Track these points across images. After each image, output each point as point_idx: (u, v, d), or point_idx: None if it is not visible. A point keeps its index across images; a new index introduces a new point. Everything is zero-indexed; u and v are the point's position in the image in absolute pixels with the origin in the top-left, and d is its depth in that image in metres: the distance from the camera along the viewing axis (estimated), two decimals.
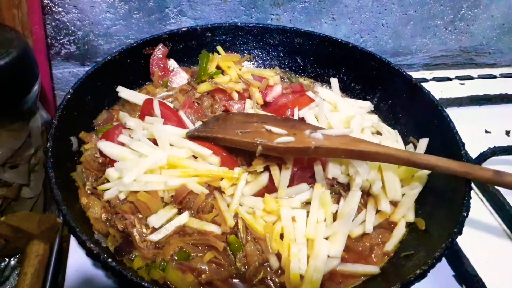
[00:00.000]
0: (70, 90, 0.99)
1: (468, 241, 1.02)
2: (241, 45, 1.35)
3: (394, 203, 1.01)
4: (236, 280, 0.86)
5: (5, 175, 1.14)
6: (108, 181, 0.96)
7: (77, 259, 0.94)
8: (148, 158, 0.94)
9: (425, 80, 1.66)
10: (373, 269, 0.90)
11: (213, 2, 1.44)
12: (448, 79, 1.69)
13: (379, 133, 1.18)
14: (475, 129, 1.45)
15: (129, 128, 1.02)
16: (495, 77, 1.74)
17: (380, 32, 1.66)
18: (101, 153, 1.00)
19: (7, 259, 1.20)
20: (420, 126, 1.16)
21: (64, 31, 1.39)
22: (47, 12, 1.33)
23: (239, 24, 1.31)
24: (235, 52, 1.34)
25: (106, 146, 0.98)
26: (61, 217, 0.79)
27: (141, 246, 0.86)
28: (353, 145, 0.92)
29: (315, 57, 1.34)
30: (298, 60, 1.37)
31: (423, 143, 1.11)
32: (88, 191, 0.95)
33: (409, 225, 0.99)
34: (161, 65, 1.23)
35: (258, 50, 1.36)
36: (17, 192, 1.17)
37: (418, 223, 0.98)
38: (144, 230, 0.89)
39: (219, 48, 1.30)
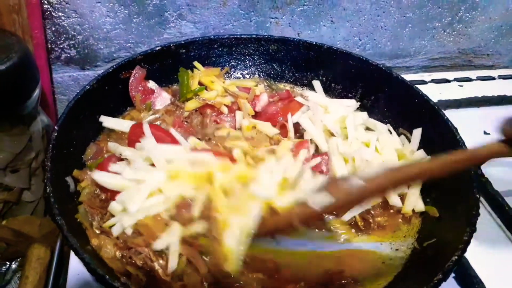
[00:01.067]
0: (56, 127, 0.95)
1: None
2: (216, 58, 1.33)
3: (401, 197, 1.03)
4: None
5: (6, 179, 1.14)
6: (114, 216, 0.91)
7: (78, 263, 0.93)
8: (146, 181, 0.90)
9: (424, 82, 1.66)
10: None
11: (212, 6, 1.45)
12: (447, 81, 1.70)
13: (368, 129, 1.19)
14: (474, 131, 1.45)
15: (124, 158, 0.97)
16: (493, 78, 1.74)
17: (379, 34, 1.67)
18: (101, 188, 0.95)
19: (8, 263, 1.21)
20: (408, 117, 1.18)
21: (64, 35, 1.39)
22: (47, 16, 1.33)
23: (212, 37, 1.29)
24: (212, 65, 1.32)
25: (102, 177, 0.93)
26: (84, 266, 0.76)
27: (167, 280, 0.81)
28: (398, 173, 0.81)
29: (292, 62, 1.34)
30: (275, 66, 1.36)
31: (417, 133, 1.13)
32: (97, 231, 0.89)
33: (420, 215, 1.01)
34: (141, 88, 1.19)
35: (234, 61, 1.35)
36: (18, 196, 1.17)
37: (430, 211, 1.00)
38: (161, 261, 0.84)
39: (196, 64, 1.27)
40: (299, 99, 1.20)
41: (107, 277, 0.73)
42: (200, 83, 1.24)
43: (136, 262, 0.83)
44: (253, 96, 1.22)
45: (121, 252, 0.85)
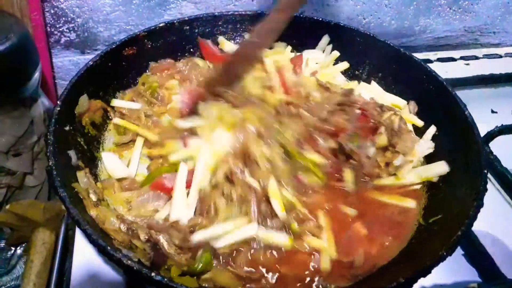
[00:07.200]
0: (58, 102, 0.94)
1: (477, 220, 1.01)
2: (221, 35, 1.30)
3: None
4: None
5: (8, 163, 1.13)
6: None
7: (83, 247, 0.93)
8: None
9: (430, 61, 1.63)
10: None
11: None
12: (453, 59, 1.67)
13: None
14: (481, 109, 1.43)
15: None
16: (500, 56, 1.71)
17: (383, 13, 1.64)
18: None
19: (13, 248, 1.20)
20: (415, 93, 1.17)
21: (63, 18, 1.37)
22: None
23: (216, 14, 1.27)
24: (216, 43, 1.29)
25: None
26: (86, 238, 0.75)
27: (172, 253, 0.81)
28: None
29: (298, 39, 1.31)
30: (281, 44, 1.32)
31: (432, 130, 1.11)
32: (94, 198, 0.90)
33: (427, 190, 1.01)
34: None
35: (239, 38, 1.32)
36: (21, 180, 1.16)
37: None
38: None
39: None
40: None
41: (109, 248, 0.73)
42: None
43: (140, 236, 0.83)
44: None
45: (125, 226, 0.85)
